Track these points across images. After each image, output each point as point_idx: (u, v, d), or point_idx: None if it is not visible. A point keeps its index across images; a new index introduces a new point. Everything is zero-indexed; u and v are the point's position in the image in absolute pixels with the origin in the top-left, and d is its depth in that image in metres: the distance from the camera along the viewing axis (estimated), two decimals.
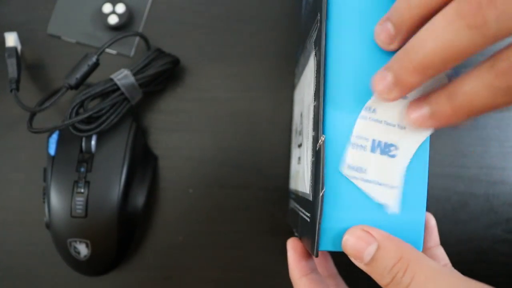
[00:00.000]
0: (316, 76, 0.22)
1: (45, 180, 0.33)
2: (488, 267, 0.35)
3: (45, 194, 0.32)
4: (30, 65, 0.36)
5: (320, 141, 0.20)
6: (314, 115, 0.22)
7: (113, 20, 0.35)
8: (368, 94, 0.21)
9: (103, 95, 0.32)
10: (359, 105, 0.20)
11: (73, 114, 0.31)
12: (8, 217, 0.35)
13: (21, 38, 0.35)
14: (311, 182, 0.22)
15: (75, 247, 0.32)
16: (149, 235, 0.35)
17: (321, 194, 0.20)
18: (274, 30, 0.36)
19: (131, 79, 0.32)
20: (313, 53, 0.23)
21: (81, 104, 0.31)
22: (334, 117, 0.20)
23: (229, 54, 0.36)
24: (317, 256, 0.20)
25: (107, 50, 0.36)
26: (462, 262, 0.35)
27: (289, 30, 0.36)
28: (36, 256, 0.35)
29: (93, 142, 0.32)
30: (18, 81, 0.32)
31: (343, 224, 0.21)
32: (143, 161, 0.34)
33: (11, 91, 0.32)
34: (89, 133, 0.31)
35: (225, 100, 0.36)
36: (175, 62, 0.35)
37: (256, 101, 0.36)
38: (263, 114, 0.36)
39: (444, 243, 0.33)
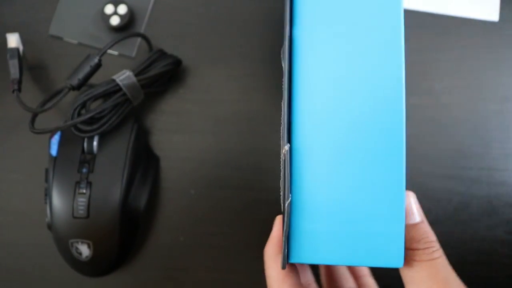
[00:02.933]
0: (282, 85, 0.21)
1: (46, 180, 0.33)
2: (489, 268, 0.35)
3: (47, 195, 0.32)
4: (32, 66, 0.36)
5: (283, 150, 0.19)
6: (282, 124, 0.21)
7: (115, 21, 0.35)
8: (333, 103, 0.20)
9: (105, 96, 0.32)
10: (327, 113, 0.20)
11: (75, 115, 0.31)
12: (10, 218, 0.35)
13: (23, 39, 0.35)
14: (281, 192, 0.21)
15: (76, 248, 0.32)
16: (151, 235, 0.35)
17: (287, 204, 0.19)
18: (275, 31, 0.36)
19: (133, 80, 0.32)
20: (283, 62, 0.23)
21: (83, 105, 0.31)
22: (301, 126, 0.20)
23: (230, 55, 0.36)
24: (283, 268, 0.19)
25: (109, 51, 0.36)
26: (463, 263, 0.35)
27: None
28: (37, 257, 0.35)
29: (95, 143, 0.32)
30: (20, 82, 0.32)
31: (315, 236, 0.20)
32: (144, 162, 0.34)
33: (13, 92, 0.32)
34: (91, 134, 0.31)
35: (226, 101, 0.36)
36: (177, 63, 0.35)
37: (257, 102, 0.36)
38: (264, 115, 0.36)
39: (445, 244, 0.33)
